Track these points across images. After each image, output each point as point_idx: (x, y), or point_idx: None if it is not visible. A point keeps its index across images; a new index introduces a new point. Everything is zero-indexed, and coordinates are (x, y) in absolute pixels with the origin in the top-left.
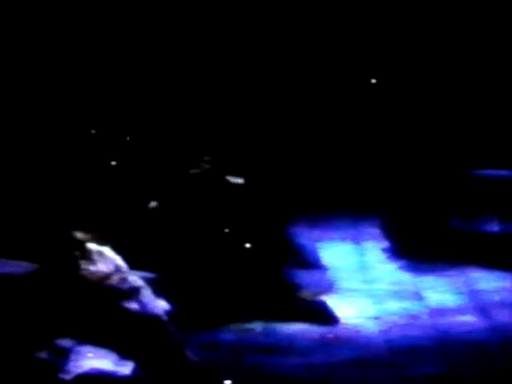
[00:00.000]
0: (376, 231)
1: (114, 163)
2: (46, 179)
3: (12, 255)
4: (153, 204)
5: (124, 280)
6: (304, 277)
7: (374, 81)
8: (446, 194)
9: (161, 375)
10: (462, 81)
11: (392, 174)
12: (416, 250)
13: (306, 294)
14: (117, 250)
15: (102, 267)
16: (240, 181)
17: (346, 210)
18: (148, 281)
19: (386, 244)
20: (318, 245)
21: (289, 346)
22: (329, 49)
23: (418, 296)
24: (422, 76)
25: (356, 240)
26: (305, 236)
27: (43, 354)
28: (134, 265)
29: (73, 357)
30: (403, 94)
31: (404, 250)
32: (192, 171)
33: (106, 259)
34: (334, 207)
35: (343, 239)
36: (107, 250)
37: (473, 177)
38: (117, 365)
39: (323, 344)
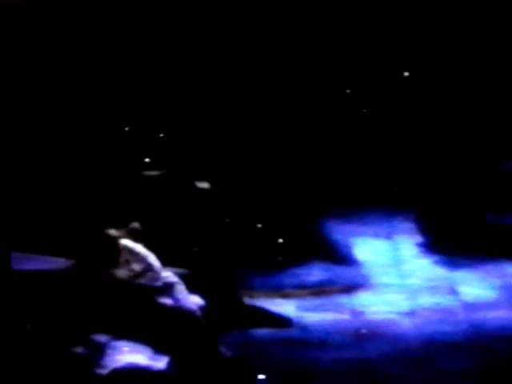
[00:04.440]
0: (410, 226)
1: (147, 160)
2: (81, 176)
3: (47, 251)
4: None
5: (157, 277)
6: (336, 272)
7: (406, 74)
8: (480, 188)
9: (195, 370)
10: (491, 75)
11: (425, 168)
12: (450, 244)
13: (336, 288)
14: (150, 247)
15: (135, 265)
16: (206, 185)
17: (379, 205)
18: (182, 277)
19: (419, 239)
20: (352, 240)
21: (323, 340)
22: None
23: (452, 291)
24: (451, 70)
25: (389, 235)
26: (338, 231)
27: (79, 349)
28: (167, 262)
29: (109, 352)
30: (436, 90)
31: (438, 244)
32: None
33: (139, 256)
34: (367, 202)
35: (377, 234)
36: (140, 248)
37: (506, 170)
38: (152, 359)
39: (358, 339)
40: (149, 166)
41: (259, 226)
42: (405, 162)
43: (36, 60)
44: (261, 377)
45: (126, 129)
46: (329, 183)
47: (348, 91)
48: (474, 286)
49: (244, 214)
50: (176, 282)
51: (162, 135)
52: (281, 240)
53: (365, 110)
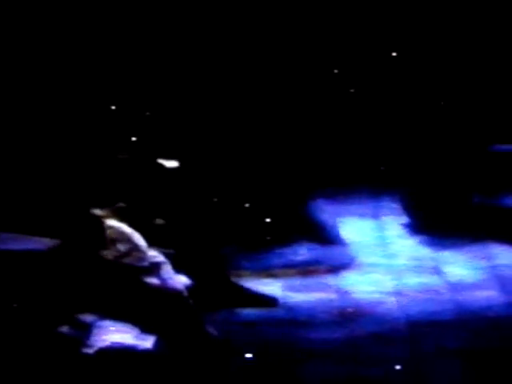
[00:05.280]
0: (396, 206)
1: (134, 139)
2: (64, 156)
3: (33, 232)
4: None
5: (143, 257)
6: (323, 252)
7: (394, 54)
8: (467, 169)
9: (181, 349)
10: (481, 57)
11: (412, 148)
12: (436, 224)
13: (323, 268)
14: (136, 226)
15: (120, 244)
16: (174, 164)
17: (365, 185)
18: (168, 256)
19: (405, 219)
20: (338, 220)
21: (309, 320)
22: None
23: (437, 271)
24: (441, 53)
25: (375, 215)
26: (325, 211)
27: (66, 329)
28: (152, 241)
29: (95, 331)
30: (424, 70)
31: (424, 224)
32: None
33: (124, 236)
34: (353, 182)
35: (363, 214)
36: (126, 227)
37: (493, 151)
38: (138, 339)
39: (344, 318)
40: (135, 145)
41: (247, 205)
42: (392, 142)
43: (21, 39)
44: (248, 355)
45: (113, 107)
46: (316, 163)
47: (336, 71)
48: (460, 267)
49: (232, 193)
50: (162, 262)
51: (148, 113)
52: (268, 220)
53: (352, 90)
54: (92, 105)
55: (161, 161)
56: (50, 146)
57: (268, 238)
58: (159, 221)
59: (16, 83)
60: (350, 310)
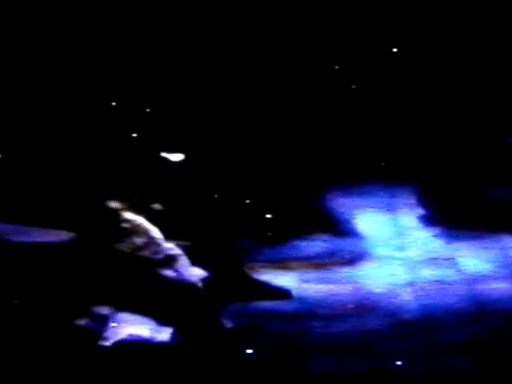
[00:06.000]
0: (411, 199)
1: (134, 135)
2: (80, 149)
3: (49, 225)
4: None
5: (159, 250)
6: (338, 244)
7: (395, 50)
8: (481, 161)
9: (196, 341)
10: (495, 50)
11: (427, 141)
12: (451, 217)
13: (338, 261)
14: (152, 219)
15: (136, 237)
16: (180, 157)
17: (380, 178)
18: (184, 249)
19: (420, 211)
20: (353, 212)
21: (323, 312)
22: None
23: (452, 263)
24: (455, 46)
25: (390, 207)
26: (340, 204)
27: (82, 322)
28: (168, 234)
29: (111, 324)
30: (438, 63)
31: (439, 217)
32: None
33: (140, 229)
34: (368, 175)
35: (378, 207)
36: (142, 220)
37: (508, 143)
38: (154, 331)
39: (358, 311)
40: (142, 140)
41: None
42: (406, 135)
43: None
44: (248, 351)
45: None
46: (331, 156)
47: (337, 67)
48: (475, 259)
49: (247, 186)
50: (178, 254)
51: (148, 110)
52: (269, 215)
53: (357, 85)
54: (105, 99)
55: (165, 154)
56: (66, 139)
57: (269, 233)
58: (174, 213)
59: (21, 82)
60: (364, 302)
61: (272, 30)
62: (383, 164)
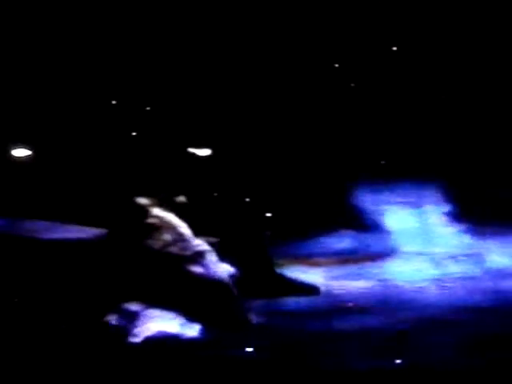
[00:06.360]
0: (437, 195)
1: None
2: (110, 147)
3: (79, 221)
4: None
5: (188, 246)
6: (365, 240)
7: (394, 48)
8: (509, 158)
9: (224, 337)
10: (496, 51)
11: (454, 138)
12: (477, 213)
13: (364, 257)
14: (181, 215)
15: (166, 234)
16: (207, 152)
17: (407, 174)
18: (212, 245)
19: (447, 208)
20: (380, 208)
21: (350, 308)
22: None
23: (479, 259)
24: (455, 46)
25: (417, 203)
26: (367, 200)
27: (112, 318)
28: (197, 230)
29: (141, 320)
30: (437, 64)
31: (465, 213)
32: None
33: (170, 225)
34: (395, 172)
35: (404, 203)
36: (171, 216)
37: None
38: (183, 327)
39: (385, 306)
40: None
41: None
42: (433, 133)
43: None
44: (249, 349)
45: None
46: (359, 152)
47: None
48: (501, 255)
49: (275, 183)
50: (207, 251)
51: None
52: (269, 214)
53: (356, 84)
54: (130, 96)
55: (192, 150)
56: (96, 138)
57: (268, 232)
58: (202, 209)
59: (21, 82)
60: (391, 298)
61: (272, 29)
62: (410, 161)
